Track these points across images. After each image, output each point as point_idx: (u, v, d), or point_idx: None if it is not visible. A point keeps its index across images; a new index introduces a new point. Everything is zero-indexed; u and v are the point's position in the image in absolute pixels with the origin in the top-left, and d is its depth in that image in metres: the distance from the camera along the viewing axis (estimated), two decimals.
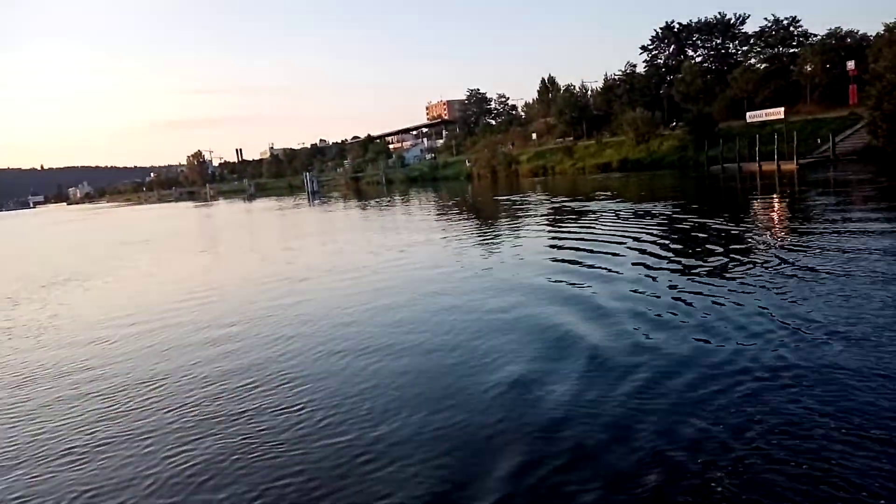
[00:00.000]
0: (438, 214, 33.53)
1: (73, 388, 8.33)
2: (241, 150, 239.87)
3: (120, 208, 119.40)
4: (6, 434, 6.91)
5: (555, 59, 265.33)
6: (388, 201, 50.73)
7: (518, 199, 37.53)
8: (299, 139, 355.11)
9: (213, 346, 9.83)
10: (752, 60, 69.87)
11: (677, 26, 79.17)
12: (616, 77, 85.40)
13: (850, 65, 48.75)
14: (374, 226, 31.39)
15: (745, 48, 74.47)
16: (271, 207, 61.05)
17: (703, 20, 77.21)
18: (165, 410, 7.10)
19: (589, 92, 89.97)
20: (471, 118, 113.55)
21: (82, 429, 6.81)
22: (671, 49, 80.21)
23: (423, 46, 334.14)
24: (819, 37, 63.34)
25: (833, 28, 62.27)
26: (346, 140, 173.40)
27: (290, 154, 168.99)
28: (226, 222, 47.35)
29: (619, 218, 22.38)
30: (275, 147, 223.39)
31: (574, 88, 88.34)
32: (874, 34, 60.58)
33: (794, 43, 66.58)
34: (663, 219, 21.19)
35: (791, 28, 66.35)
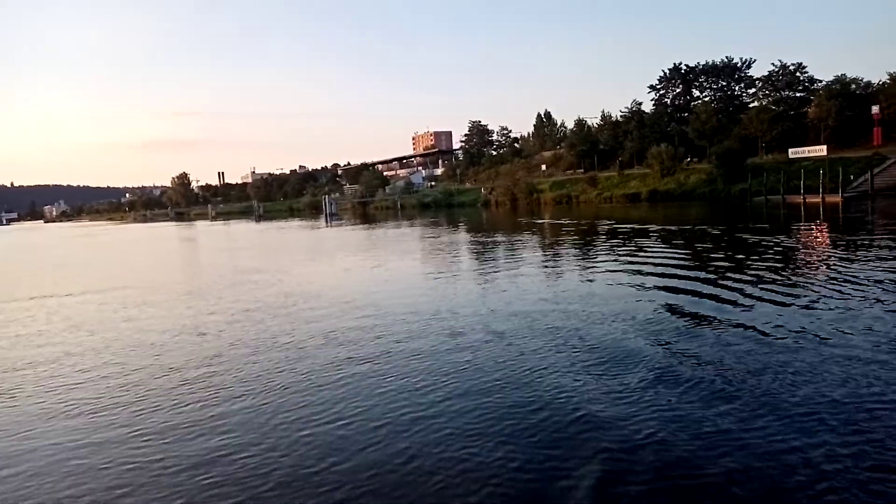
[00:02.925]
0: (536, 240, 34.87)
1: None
2: (223, 173, 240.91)
3: (121, 225, 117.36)
4: None
5: (541, 92, 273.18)
6: (432, 225, 51.93)
7: (607, 224, 38.57)
8: (277, 165, 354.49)
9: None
10: (760, 102, 74.07)
11: (684, 68, 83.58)
12: (623, 113, 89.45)
13: (875, 109, 52.63)
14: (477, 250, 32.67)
15: (751, 90, 79.01)
16: (305, 226, 62.01)
17: (710, 63, 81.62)
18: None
19: (593, 126, 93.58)
20: (473, 148, 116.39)
21: None
22: (679, 89, 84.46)
23: (404, 77, 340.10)
24: (824, 82, 68.14)
25: (839, 75, 67.11)
26: (337, 166, 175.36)
27: (282, 179, 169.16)
28: (304, 238, 47.32)
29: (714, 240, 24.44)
30: (256, 171, 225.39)
31: (585, 122, 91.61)
32: (878, 82, 65.74)
33: (800, 87, 71.08)
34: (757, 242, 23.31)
35: (797, 73, 70.77)
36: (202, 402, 7.98)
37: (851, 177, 44.53)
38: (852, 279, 13.48)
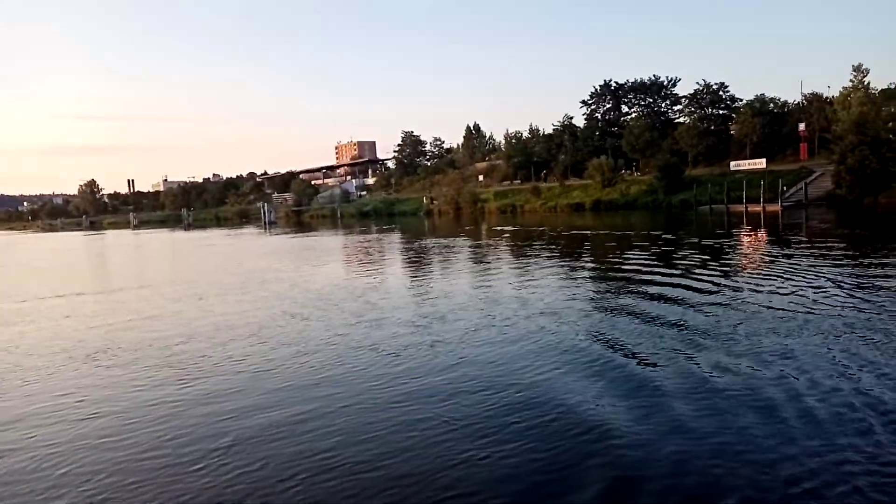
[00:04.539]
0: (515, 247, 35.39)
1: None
2: (132, 180, 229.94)
3: (34, 235, 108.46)
4: None
5: (469, 105, 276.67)
6: (387, 233, 51.70)
7: (574, 232, 40.04)
8: (189, 172, 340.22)
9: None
10: (687, 119, 78.63)
11: (614, 84, 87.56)
12: (556, 127, 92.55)
13: (802, 126, 57.12)
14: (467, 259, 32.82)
15: (677, 107, 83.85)
16: (249, 234, 60.07)
17: (638, 80, 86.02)
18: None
19: (529, 139, 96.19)
20: (406, 158, 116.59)
21: None
22: (609, 104, 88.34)
23: (324, 86, 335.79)
24: (745, 101, 73.26)
25: (759, 94, 72.45)
26: (254, 174, 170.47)
27: (200, 187, 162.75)
28: (267, 245, 45.71)
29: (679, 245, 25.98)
30: (169, 179, 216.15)
31: (521, 135, 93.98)
32: (793, 101, 71.49)
33: (723, 105, 76.05)
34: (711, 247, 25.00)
35: (720, 92, 75.71)
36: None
37: (784, 188, 48.00)
38: (806, 273, 15.43)
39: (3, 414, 7.86)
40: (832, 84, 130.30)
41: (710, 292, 13.59)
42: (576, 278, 17.62)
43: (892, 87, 57.79)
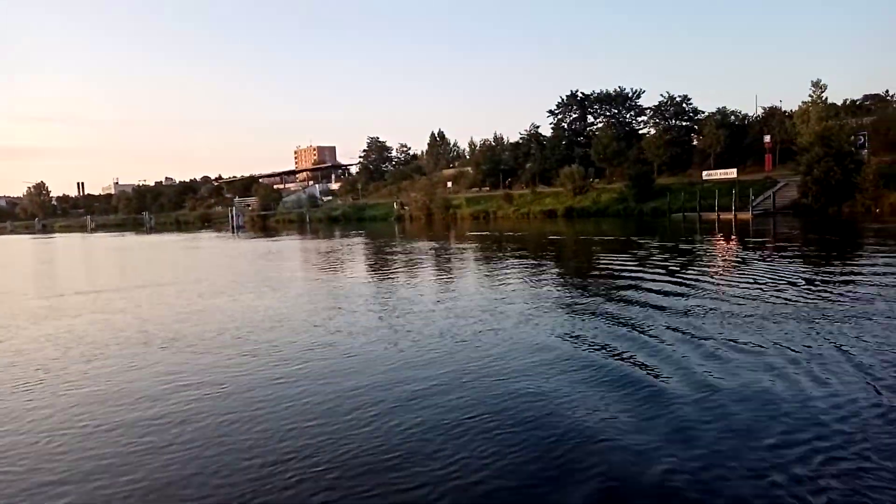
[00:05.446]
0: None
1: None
2: (82, 183, 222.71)
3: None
4: None
5: (433, 112, 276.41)
6: (365, 237, 51.51)
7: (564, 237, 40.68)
8: (140, 176, 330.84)
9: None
10: (651, 130, 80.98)
11: (580, 95, 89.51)
12: (522, 136, 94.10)
13: (767, 139, 59.58)
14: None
15: (641, 118, 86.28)
16: (220, 238, 59.03)
17: (604, 91, 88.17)
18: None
19: (498, 147, 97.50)
20: (371, 164, 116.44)
21: None
22: (576, 115, 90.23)
23: (282, 91, 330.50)
24: (707, 113, 75.93)
25: (720, 107, 75.17)
26: (208, 178, 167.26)
27: (156, 190, 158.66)
28: (254, 248, 45.01)
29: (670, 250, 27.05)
30: (120, 182, 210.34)
31: (491, 143, 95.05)
32: (753, 114, 74.46)
33: (686, 117, 78.59)
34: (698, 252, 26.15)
35: (683, 104, 78.24)
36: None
37: (753, 197, 49.98)
38: (778, 276, 16.25)
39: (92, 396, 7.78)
40: (784, 98, 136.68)
41: (690, 293, 14.10)
42: (562, 280, 18.05)
43: (848, 102, 60.85)
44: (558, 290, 15.68)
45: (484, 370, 8.57)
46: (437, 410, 7.04)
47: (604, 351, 9.40)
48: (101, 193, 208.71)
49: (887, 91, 75.52)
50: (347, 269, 24.88)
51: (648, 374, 8.13)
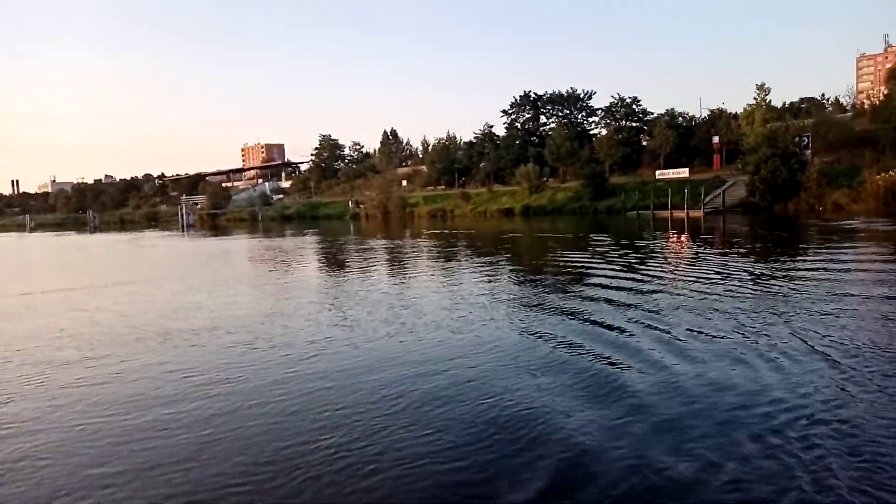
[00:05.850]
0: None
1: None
2: (17, 181, 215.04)
3: None
4: None
5: (384, 109, 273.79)
6: (323, 235, 50.84)
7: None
8: (78, 174, 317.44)
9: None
10: (602, 130, 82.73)
11: (534, 95, 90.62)
12: (476, 135, 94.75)
13: (716, 139, 61.64)
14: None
15: (593, 119, 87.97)
16: (171, 237, 57.32)
17: (556, 92, 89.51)
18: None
19: (451, 145, 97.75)
20: (323, 162, 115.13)
21: None
22: (529, 115, 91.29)
23: (226, 87, 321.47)
24: (655, 114, 78.00)
25: (669, 108, 77.30)
26: (150, 176, 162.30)
27: (97, 188, 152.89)
28: (209, 247, 43.56)
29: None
30: (57, 180, 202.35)
31: (446, 142, 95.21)
32: (700, 116, 76.93)
33: (636, 118, 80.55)
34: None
35: (633, 106, 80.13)
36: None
37: (703, 196, 51.62)
38: (729, 270, 16.84)
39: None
40: (725, 100, 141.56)
41: (646, 288, 14.31)
42: (521, 277, 18.11)
43: (787, 104, 63.49)
44: (517, 287, 15.70)
45: (440, 365, 8.45)
46: (393, 406, 6.91)
47: (562, 342, 9.44)
48: (38, 192, 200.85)
49: (823, 94, 79.41)
50: (305, 266, 24.56)
51: (607, 363, 8.23)
